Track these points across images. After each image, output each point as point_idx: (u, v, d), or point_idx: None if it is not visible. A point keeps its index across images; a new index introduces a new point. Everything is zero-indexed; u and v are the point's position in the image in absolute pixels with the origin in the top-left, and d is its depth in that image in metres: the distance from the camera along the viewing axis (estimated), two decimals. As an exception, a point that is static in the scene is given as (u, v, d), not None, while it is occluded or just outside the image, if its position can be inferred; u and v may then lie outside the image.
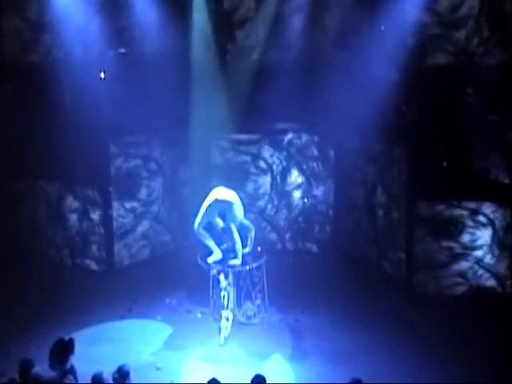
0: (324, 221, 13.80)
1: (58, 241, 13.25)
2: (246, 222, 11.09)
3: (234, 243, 10.79)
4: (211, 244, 10.80)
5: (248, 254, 11.02)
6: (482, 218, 11.68)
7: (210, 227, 10.88)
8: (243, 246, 10.88)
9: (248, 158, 13.78)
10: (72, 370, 7.39)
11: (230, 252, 10.88)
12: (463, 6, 11.35)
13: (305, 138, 13.68)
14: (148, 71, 12.80)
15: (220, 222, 10.94)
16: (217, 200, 10.65)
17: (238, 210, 10.80)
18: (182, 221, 13.90)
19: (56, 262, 13.14)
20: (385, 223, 12.54)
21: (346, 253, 13.51)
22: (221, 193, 10.76)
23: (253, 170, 13.79)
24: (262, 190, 13.86)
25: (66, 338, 7.56)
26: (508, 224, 11.57)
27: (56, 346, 7.41)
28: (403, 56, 11.46)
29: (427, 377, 9.52)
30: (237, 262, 10.78)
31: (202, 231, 10.76)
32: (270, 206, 13.94)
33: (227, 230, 10.83)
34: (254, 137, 13.74)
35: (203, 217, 10.69)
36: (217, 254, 10.79)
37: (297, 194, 13.88)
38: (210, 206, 10.66)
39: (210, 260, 10.76)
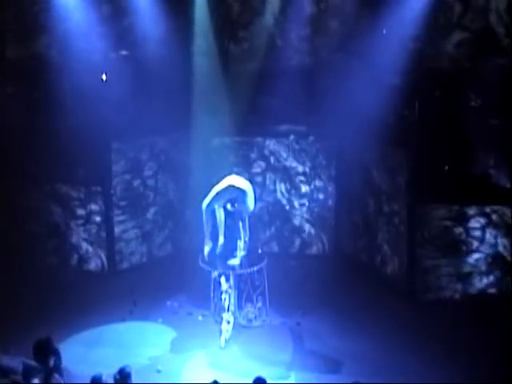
0: (325, 224, 13.79)
1: (59, 242, 13.24)
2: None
3: (237, 237, 10.73)
4: (207, 232, 10.64)
5: (247, 256, 11.01)
6: (483, 222, 11.69)
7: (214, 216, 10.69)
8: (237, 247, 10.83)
9: (250, 161, 13.78)
10: (56, 368, 7.38)
11: (227, 248, 10.79)
12: (464, 9, 11.40)
13: (306, 140, 13.65)
14: (150, 73, 12.81)
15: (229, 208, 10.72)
16: (231, 186, 10.52)
17: (250, 201, 10.64)
18: (184, 223, 13.92)
19: (57, 264, 13.12)
20: (386, 227, 12.54)
21: (347, 256, 13.50)
22: (236, 180, 10.64)
23: (254, 172, 13.78)
24: (264, 193, 13.85)
25: (43, 337, 7.55)
26: (509, 228, 11.57)
27: (35, 346, 7.42)
28: (405, 60, 11.47)
29: (428, 380, 9.53)
30: (236, 261, 10.79)
31: (208, 214, 10.56)
32: (271, 208, 13.95)
33: (234, 223, 10.70)
34: (256, 139, 13.74)
35: (213, 199, 10.52)
36: (208, 245, 10.67)
37: (298, 197, 13.87)
38: (223, 190, 10.50)
39: (205, 250, 10.66)
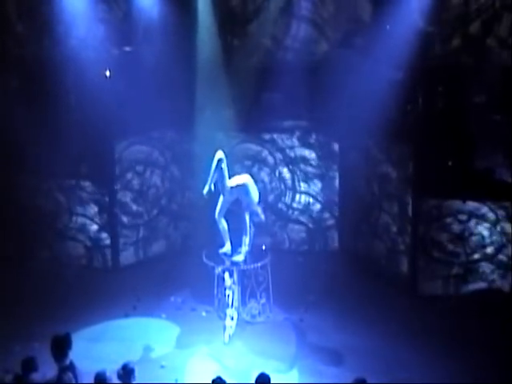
0: (328, 220, 13.79)
1: (63, 239, 13.25)
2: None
3: (242, 233, 10.78)
4: (226, 236, 10.83)
5: (251, 252, 11.02)
6: (486, 218, 11.67)
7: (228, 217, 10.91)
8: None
9: (252, 157, 13.77)
10: (71, 367, 7.39)
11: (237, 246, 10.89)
12: (468, 6, 11.39)
13: (309, 136, 13.64)
14: (153, 69, 12.83)
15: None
16: (231, 188, 10.64)
17: (253, 192, 10.74)
18: (188, 218, 13.92)
19: (60, 260, 13.14)
20: (389, 222, 12.53)
21: (350, 252, 13.49)
22: (233, 180, 10.73)
23: (257, 168, 13.77)
24: (267, 188, 13.83)
25: (62, 333, 7.55)
26: (512, 223, 11.60)
27: (52, 342, 7.42)
28: (408, 55, 11.46)
29: (431, 377, 9.54)
30: (240, 257, 10.81)
31: (222, 221, 10.78)
32: (274, 203, 13.94)
33: (241, 218, 10.80)
34: (259, 134, 13.73)
35: (222, 205, 10.72)
36: (227, 248, 10.83)
37: (301, 192, 13.86)
38: (226, 195, 10.67)
39: (222, 251, 10.81)
